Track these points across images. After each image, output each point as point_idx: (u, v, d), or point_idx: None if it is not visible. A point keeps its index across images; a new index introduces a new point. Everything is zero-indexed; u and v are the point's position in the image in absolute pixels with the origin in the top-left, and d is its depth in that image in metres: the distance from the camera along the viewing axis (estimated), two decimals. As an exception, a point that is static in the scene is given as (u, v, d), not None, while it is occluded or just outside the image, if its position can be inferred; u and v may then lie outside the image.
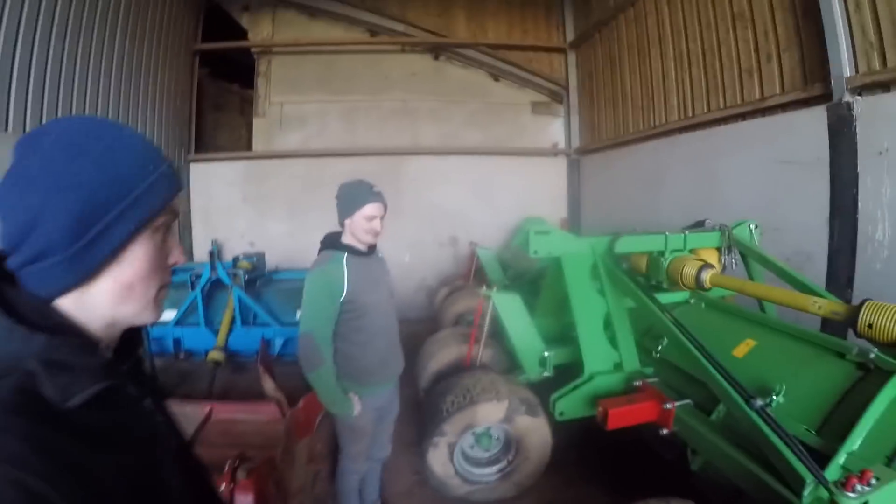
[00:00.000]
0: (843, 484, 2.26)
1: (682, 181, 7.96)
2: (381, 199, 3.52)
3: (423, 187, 11.19)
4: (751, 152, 6.62)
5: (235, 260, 7.50)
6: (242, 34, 11.19)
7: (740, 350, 3.92)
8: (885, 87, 5.03)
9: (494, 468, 4.71)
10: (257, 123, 11.13)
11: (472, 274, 9.42)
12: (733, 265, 5.00)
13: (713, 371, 3.36)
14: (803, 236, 5.79)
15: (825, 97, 5.52)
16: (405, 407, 5.85)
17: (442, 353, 5.64)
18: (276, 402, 4.56)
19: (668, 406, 3.67)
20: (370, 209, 3.46)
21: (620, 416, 3.70)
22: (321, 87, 11.15)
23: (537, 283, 6.74)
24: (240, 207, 10.77)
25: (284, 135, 11.08)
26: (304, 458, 4.16)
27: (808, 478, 2.60)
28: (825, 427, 3.03)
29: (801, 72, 5.95)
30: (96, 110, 7.48)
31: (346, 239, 3.58)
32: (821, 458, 2.72)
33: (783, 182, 6.12)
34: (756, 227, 5.20)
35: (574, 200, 11.79)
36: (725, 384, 3.24)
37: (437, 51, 11.50)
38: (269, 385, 4.71)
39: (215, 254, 7.06)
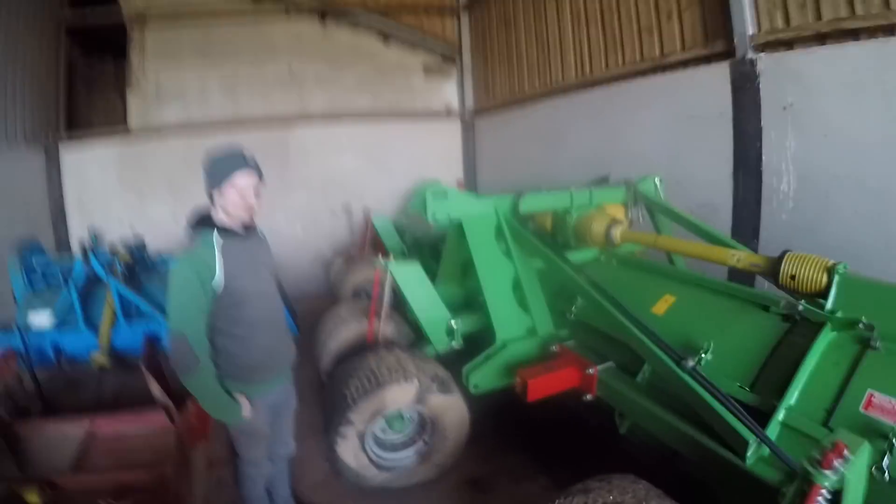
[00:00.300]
0: (820, 462, 2.01)
1: (583, 138, 7.87)
2: (252, 166, 3.04)
3: (313, 155, 10.79)
4: (652, 108, 6.59)
5: (113, 249, 6.80)
6: (113, 2, 10.18)
7: (660, 307, 3.73)
8: (787, 44, 5.10)
9: (411, 450, 4.31)
10: (132, 98, 10.22)
11: (368, 242, 9.03)
12: (640, 220, 4.92)
13: (637, 332, 3.15)
14: (708, 189, 5.80)
15: (727, 54, 5.54)
16: (309, 389, 5.43)
17: (341, 331, 5.17)
18: (164, 409, 4.02)
19: (591, 371, 3.47)
20: (241, 179, 2.96)
21: (541, 386, 3.44)
22: (200, 55, 10.35)
23: (437, 248, 6.48)
24: (117, 191, 9.84)
25: (162, 109, 10.25)
26: (203, 466, 3.66)
27: (751, 438, 2.52)
28: (759, 383, 2.92)
29: (702, 29, 5.92)
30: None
31: (217, 216, 3.06)
32: (758, 416, 2.64)
33: (686, 137, 6.12)
34: (660, 181, 5.15)
35: (470, 162, 11.61)
36: (652, 345, 3.05)
37: (324, 13, 10.92)
38: (156, 389, 4.11)
39: (87, 245, 6.28)
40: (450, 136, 11.70)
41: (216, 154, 3.01)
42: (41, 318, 6.11)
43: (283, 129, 10.40)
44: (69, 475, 3.49)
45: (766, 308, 3.33)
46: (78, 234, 9.26)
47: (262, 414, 3.23)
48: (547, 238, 4.52)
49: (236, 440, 3.30)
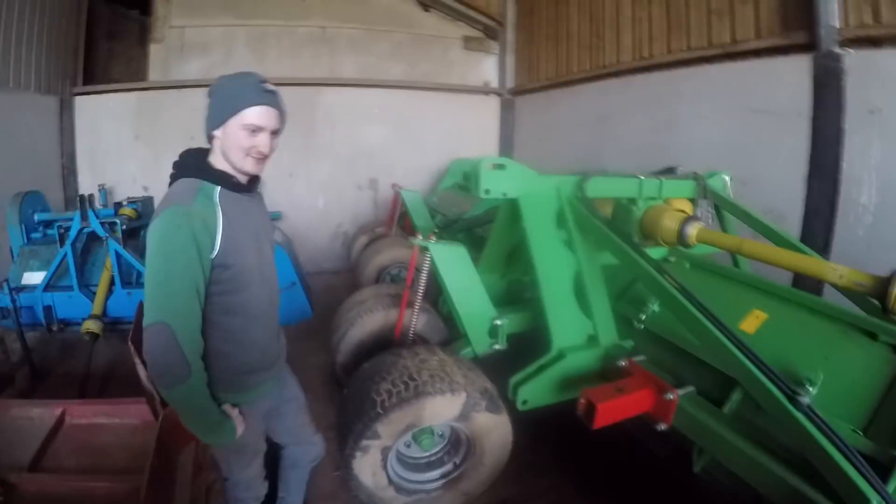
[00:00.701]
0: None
1: (636, 126, 7.34)
2: (273, 101, 2.25)
3: (341, 123, 10.19)
4: (718, 99, 6.06)
5: (118, 206, 6.34)
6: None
7: (749, 324, 3.17)
8: (875, 42, 4.63)
9: (437, 472, 3.67)
10: (154, 50, 9.76)
11: (395, 220, 8.40)
12: (709, 219, 4.32)
13: (738, 352, 2.53)
14: (776, 193, 5.29)
15: (808, 47, 5.02)
16: (321, 381, 4.86)
17: (365, 321, 4.50)
18: (147, 399, 3.42)
19: (670, 396, 2.86)
20: (254, 115, 2.19)
21: (611, 411, 2.79)
22: (228, 9, 9.85)
23: (473, 233, 5.97)
24: (132, 147, 9.36)
25: (184, 63, 9.77)
26: (189, 470, 3.06)
27: (874, 498, 2.05)
28: (873, 427, 2.44)
29: (780, 17, 5.39)
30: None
31: (218, 162, 2.31)
32: (874, 467, 2.17)
33: (755, 133, 5.60)
34: (730, 178, 4.70)
35: (506, 142, 11.07)
36: (757, 371, 2.44)
37: (362, -27, 10.51)
38: (143, 372, 3.32)
39: (87, 200, 5.69)
40: (487, 114, 11.18)
41: (227, 79, 2.27)
42: (32, 276, 5.68)
43: (310, 92, 9.86)
44: (27, 474, 2.93)
45: (872, 335, 2.79)
46: (87, 190, 8.73)
47: (256, 425, 2.55)
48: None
49: (223, 460, 2.61)
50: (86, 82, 9.25)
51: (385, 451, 3.29)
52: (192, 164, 2.29)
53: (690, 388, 3.01)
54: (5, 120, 7.27)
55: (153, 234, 2.08)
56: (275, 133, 2.30)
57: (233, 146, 2.22)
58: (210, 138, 2.29)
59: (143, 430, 3.32)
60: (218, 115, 2.21)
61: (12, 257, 5.94)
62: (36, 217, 6.17)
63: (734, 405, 2.86)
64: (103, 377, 5.35)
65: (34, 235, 6.13)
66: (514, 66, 11.00)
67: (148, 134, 9.45)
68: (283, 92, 2.27)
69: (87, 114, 9.13)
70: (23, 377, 5.26)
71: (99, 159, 9.21)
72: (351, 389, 3.57)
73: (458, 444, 3.65)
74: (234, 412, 2.33)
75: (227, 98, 2.20)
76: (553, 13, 9.52)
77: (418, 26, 10.75)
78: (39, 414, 3.46)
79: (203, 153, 2.34)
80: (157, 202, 5.84)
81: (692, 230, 3.62)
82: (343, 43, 10.29)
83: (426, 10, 10.76)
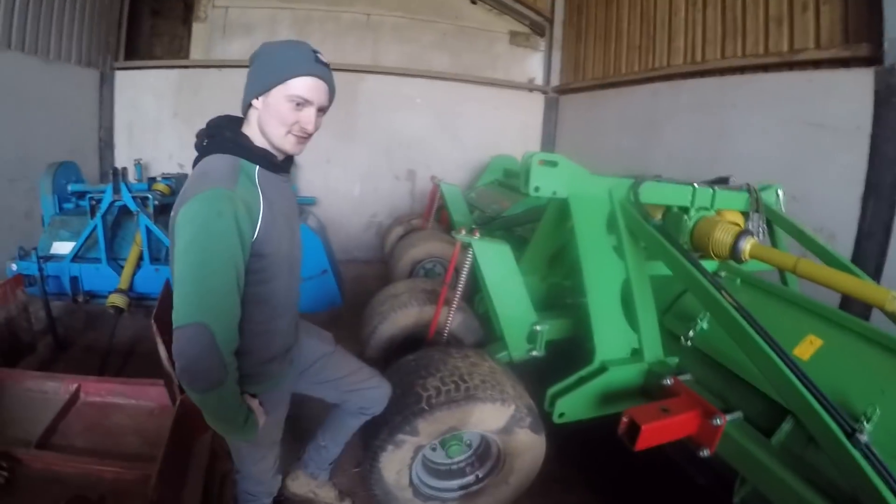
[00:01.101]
0: None
1: (685, 132, 7.09)
2: (326, 74, 2.07)
3: (381, 111, 9.98)
4: (772, 109, 5.78)
5: (151, 181, 6.29)
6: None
7: (804, 350, 2.95)
8: None
9: (455, 483, 3.50)
10: (197, 29, 9.88)
11: (433, 213, 8.17)
12: (761, 234, 4.09)
13: (798, 382, 2.34)
14: (828, 211, 5.04)
15: (871, 60, 4.78)
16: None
17: (398, 315, 4.30)
18: (165, 381, 3.31)
19: (718, 421, 2.66)
20: (303, 86, 2.00)
21: (655, 434, 2.61)
22: (274, -9, 9.95)
23: (510, 232, 5.81)
24: (170, 123, 9.41)
25: (227, 43, 9.84)
26: (204, 459, 2.93)
27: None
28: None
29: (843, 28, 5.14)
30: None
31: (254, 137, 2.11)
32: None
33: (809, 148, 5.32)
34: (783, 192, 4.48)
35: (548, 141, 10.82)
36: (817, 405, 2.25)
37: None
38: (164, 353, 3.21)
39: (120, 173, 5.63)
40: (530, 111, 10.93)
41: (276, 44, 2.09)
42: (60, 246, 5.72)
43: (352, 78, 9.74)
44: (34, 451, 2.83)
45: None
46: (123, 165, 8.78)
47: (274, 415, 2.40)
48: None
49: (237, 451, 2.48)
50: (127, 58, 9.33)
51: (417, 450, 3.13)
52: (230, 139, 2.09)
53: (738, 414, 2.84)
54: (45, 91, 7.30)
55: (191, 220, 1.84)
56: (321, 111, 2.12)
57: (273, 119, 2.04)
58: (247, 108, 2.11)
59: (158, 415, 3.24)
60: (261, 82, 2.02)
61: (43, 226, 5.94)
62: (69, 188, 6.17)
63: (783, 436, 2.69)
64: (125, 353, 5.36)
65: (66, 206, 6.14)
66: (560, 64, 10.79)
67: (187, 111, 9.47)
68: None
69: (127, 89, 9.19)
70: (45, 346, 5.28)
71: (136, 134, 9.27)
72: (389, 380, 3.31)
73: (486, 458, 3.49)
74: (255, 403, 2.20)
75: (274, 64, 2.02)
76: (603, 12, 9.32)
77: (464, 18, 10.63)
78: (54, 388, 3.39)
79: (236, 124, 2.16)
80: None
81: (746, 245, 3.42)
82: (387, 31, 10.23)
83: (473, 3, 10.65)
